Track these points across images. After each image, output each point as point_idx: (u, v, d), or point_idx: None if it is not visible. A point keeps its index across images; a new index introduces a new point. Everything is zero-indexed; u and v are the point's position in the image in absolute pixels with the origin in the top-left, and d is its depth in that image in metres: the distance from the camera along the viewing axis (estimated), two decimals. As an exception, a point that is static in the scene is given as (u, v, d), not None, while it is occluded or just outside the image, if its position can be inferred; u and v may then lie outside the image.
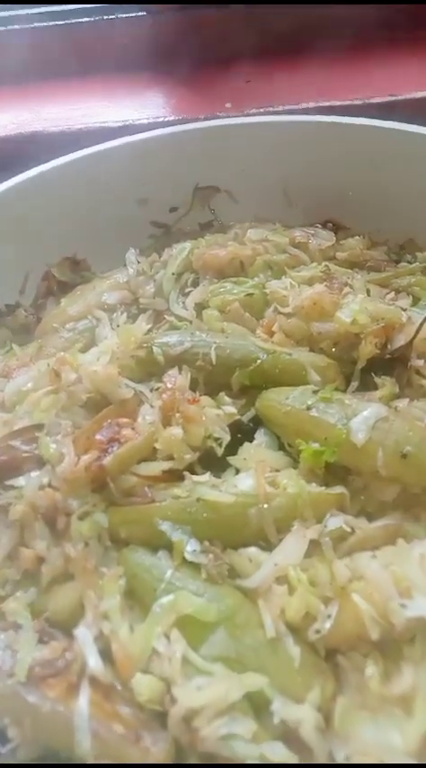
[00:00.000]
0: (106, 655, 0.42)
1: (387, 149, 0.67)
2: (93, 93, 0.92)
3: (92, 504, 0.49)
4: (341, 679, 0.43)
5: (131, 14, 0.96)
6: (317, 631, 0.42)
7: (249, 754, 0.37)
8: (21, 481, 0.51)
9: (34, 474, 0.51)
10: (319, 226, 0.72)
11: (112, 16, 0.96)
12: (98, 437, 0.52)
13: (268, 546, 0.47)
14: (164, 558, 0.46)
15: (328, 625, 0.42)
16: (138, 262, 0.71)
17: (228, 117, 0.78)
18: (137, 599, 0.46)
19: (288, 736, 0.39)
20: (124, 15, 0.96)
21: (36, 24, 0.96)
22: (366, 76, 0.85)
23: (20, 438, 0.54)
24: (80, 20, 0.96)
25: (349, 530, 0.47)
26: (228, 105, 0.85)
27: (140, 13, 0.95)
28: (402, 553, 0.44)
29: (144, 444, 0.51)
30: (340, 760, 0.39)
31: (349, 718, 0.41)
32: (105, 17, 0.96)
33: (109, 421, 0.53)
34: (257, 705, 0.40)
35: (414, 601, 0.41)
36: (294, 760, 0.38)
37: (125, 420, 0.53)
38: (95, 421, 0.53)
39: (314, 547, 0.46)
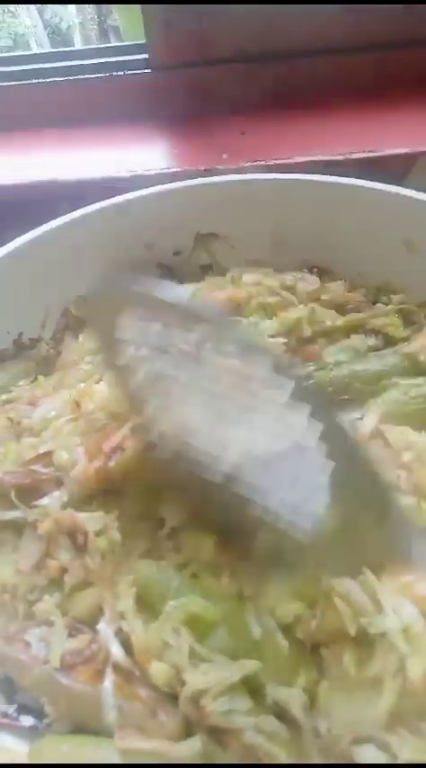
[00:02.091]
0: (125, 647, 0.49)
1: (364, 204, 0.75)
2: (106, 143, 1.01)
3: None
4: (324, 667, 0.50)
5: (138, 71, 1.05)
6: (305, 629, 0.50)
7: (246, 723, 0.44)
8: (45, 500, 0.58)
9: (55, 494, 0.58)
10: (306, 270, 0.81)
11: (121, 73, 1.05)
12: (104, 447, 0.59)
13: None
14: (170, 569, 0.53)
15: (313, 624, 0.49)
16: (147, 301, 0.79)
17: (226, 170, 0.86)
18: (147, 606, 0.52)
19: (279, 713, 0.47)
20: (131, 72, 1.05)
21: (53, 79, 1.06)
22: (347, 133, 0.94)
23: (40, 462, 0.61)
24: (92, 75, 1.06)
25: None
26: (225, 156, 0.93)
27: (146, 70, 1.05)
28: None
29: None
30: (323, 732, 0.47)
31: (330, 698, 0.48)
32: (114, 73, 1.05)
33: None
34: (253, 689, 0.47)
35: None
36: (283, 731, 0.45)
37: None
38: (103, 433, 0.61)
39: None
